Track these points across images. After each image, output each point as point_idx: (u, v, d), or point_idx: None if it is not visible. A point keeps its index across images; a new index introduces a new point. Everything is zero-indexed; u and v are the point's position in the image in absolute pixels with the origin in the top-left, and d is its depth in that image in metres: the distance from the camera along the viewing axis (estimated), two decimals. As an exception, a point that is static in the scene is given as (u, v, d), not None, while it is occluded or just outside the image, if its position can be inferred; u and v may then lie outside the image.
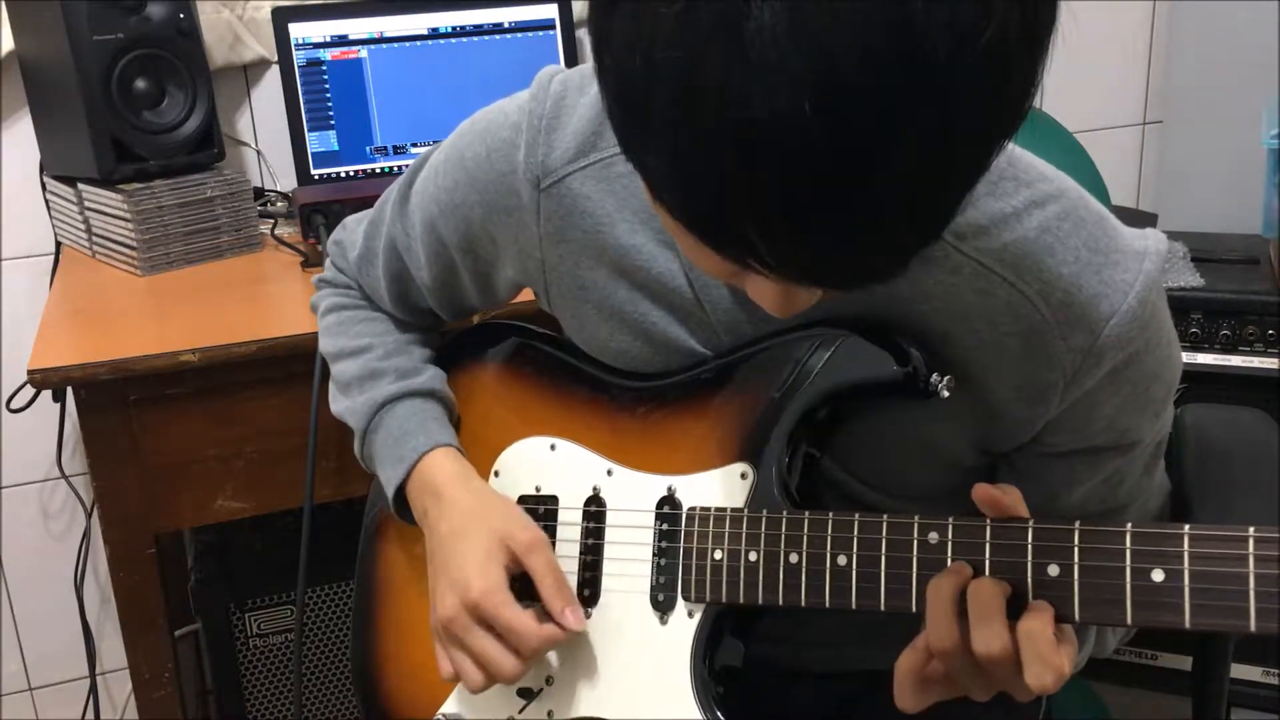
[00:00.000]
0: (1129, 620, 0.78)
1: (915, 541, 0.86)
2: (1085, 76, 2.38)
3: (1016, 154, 0.93)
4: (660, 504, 1.01)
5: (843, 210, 0.66)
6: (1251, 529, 0.74)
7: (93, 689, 2.10)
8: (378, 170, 1.95)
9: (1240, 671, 1.97)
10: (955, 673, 0.84)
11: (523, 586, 1.03)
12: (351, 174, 1.93)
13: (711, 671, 0.97)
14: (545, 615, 1.01)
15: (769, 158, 0.64)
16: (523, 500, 1.10)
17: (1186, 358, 1.88)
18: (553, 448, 1.10)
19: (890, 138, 0.63)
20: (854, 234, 0.68)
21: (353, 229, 1.25)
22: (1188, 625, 0.75)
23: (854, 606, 0.88)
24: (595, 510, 1.05)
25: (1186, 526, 0.76)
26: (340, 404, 1.20)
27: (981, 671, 0.83)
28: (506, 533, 1.04)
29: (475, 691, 1.02)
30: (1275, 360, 1.89)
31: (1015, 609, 0.82)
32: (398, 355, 1.19)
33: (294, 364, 1.47)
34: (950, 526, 0.84)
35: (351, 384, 1.18)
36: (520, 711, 1.07)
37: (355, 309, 1.24)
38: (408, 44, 1.93)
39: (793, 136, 0.63)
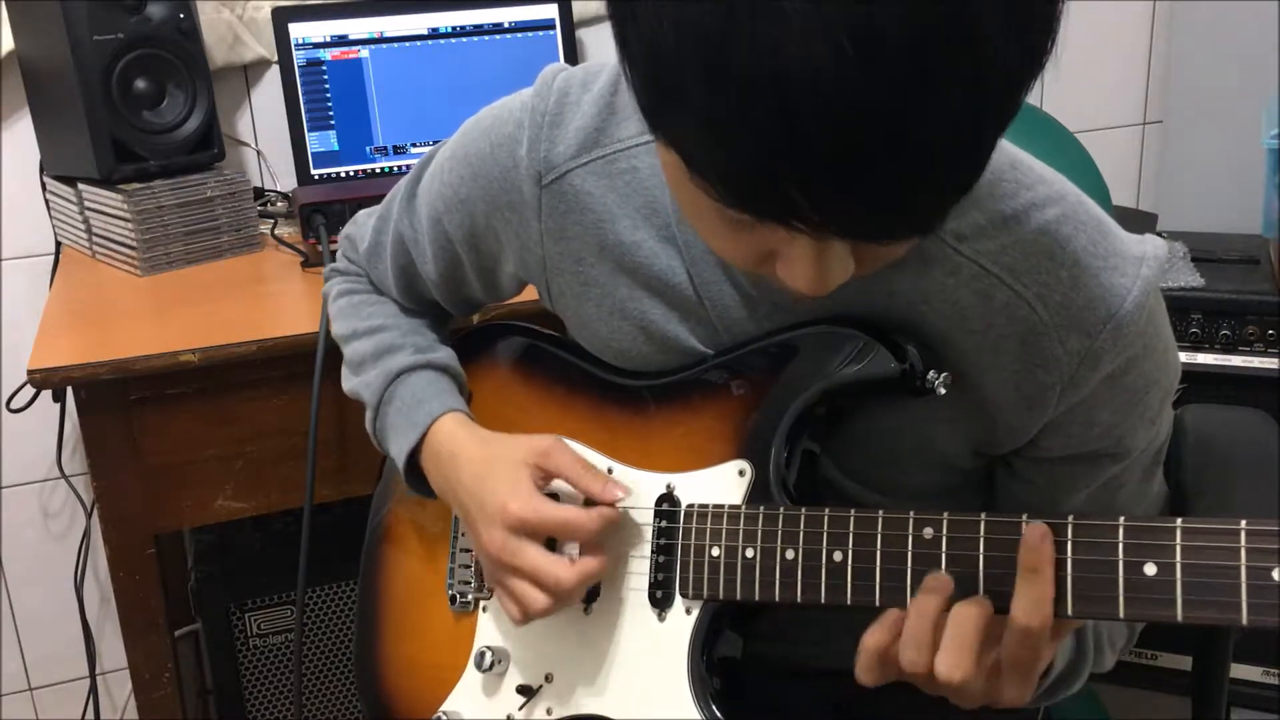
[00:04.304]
0: (1121, 614, 0.77)
1: (910, 537, 0.86)
2: (1085, 76, 2.39)
3: (1018, 156, 0.93)
4: (659, 501, 1.01)
5: (885, 154, 0.66)
6: (1243, 521, 0.74)
7: (93, 689, 2.10)
8: (378, 170, 1.95)
9: (1240, 671, 1.97)
10: (915, 675, 0.85)
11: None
12: (351, 174, 1.94)
13: (709, 668, 0.97)
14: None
15: (807, 106, 0.64)
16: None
17: (1186, 358, 1.89)
18: (553, 446, 1.10)
19: (927, 77, 0.63)
20: (897, 178, 0.68)
21: (363, 222, 1.26)
22: (1180, 618, 0.75)
23: (849, 603, 0.88)
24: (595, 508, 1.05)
25: (1179, 520, 0.76)
26: (353, 381, 1.20)
27: (936, 685, 0.84)
28: (522, 452, 1.03)
29: (541, 615, 1.01)
30: (1275, 360, 1.89)
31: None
32: (414, 334, 1.19)
33: (294, 364, 1.48)
34: (945, 522, 0.85)
35: (366, 360, 1.18)
36: (519, 709, 1.07)
37: (367, 293, 1.25)
38: (408, 44, 1.93)
39: (830, 82, 0.63)
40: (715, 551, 0.96)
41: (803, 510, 0.91)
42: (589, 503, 1.01)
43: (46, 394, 1.76)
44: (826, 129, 0.65)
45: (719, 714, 0.95)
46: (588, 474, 1.01)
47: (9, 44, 1.84)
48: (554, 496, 1.03)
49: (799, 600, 0.91)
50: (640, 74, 0.71)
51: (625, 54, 0.72)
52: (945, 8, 0.62)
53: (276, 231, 1.90)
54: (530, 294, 1.14)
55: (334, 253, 1.31)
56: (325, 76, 1.90)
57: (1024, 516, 0.81)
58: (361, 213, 1.28)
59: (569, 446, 1.03)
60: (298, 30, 1.88)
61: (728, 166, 0.70)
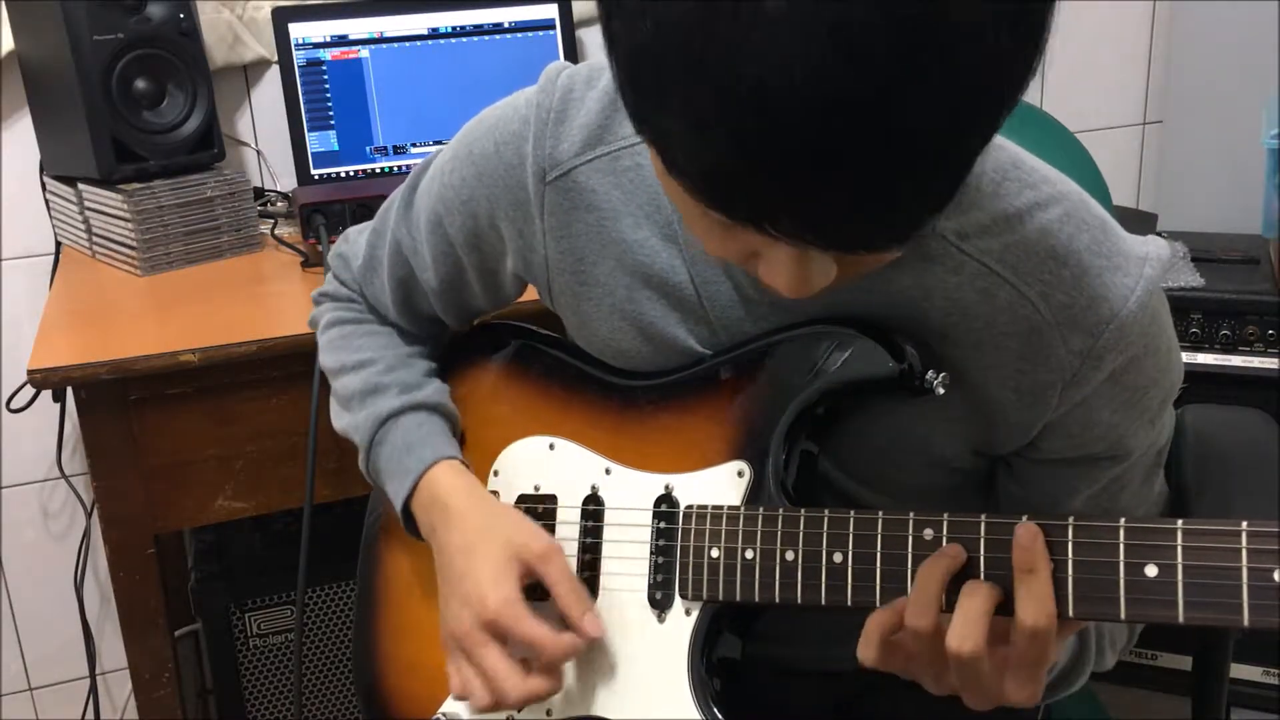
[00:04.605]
0: (1122, 615, 0.77)
1: (910, 538, 0.86)
2: (1085, 76, 2.39)
3: (1021, 156, 0.93)
4: (658, 502, 1.01)
5: (861, 162, 0.65)
6: (1244, 523, 0.73)
7: (93, 689, 2.10)
8: (378, 170, 1.95)
9: (1240, 671, 1.98)
10: (919, 654, 0.84)
11: (535, 595, 1.02)
12: (351, 174, 1.94)
13: (709, 669, 0.97)
14: (561, 624, 1.00)
15: (784, 108, 0.64)
16: (521, 499, 1.10)
17: (1186, 358, 1.88)
18: (551, 447, 1.10)
19: (904, 91, 0.63)
20: (874, 187, 0.67)
21: (355, 239, 1.24)
22: (1181, 620, 0.75)
23: (850, 604, 0.88)
24: (593, 509, 1.05)
25: (1180, 521, 0.76)
26: (343, 420, 1.19)
27: (944, 665, 0.83)
28: (519, 544, 1.02)
29: (480, 711, 1.01)
30: (1275, 360, 1.89)
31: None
32: (400, 369, 1.18)
33: (294, 364, 1.48)
34: (945, 522, 0.84)
35: (353, 399, 1.17)
36: (518, 711, 1.07)
37: (357, 323, 1.23)
38: (408, 44, 1.93)
39: (807, 85, 0.62)
40: (715, 553, 0.96)
41: (802, 511, 0.91)
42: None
43: (46, 394, 1.75)
44: (803, 131, 0.64)
45: (719, 715, 0.95)
46: (573, 595, 1.00)
47: (9, 44, 1.84)
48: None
49: (799, 602, 0.91)
50: (623, 70, 0.71)
51: (610, 49, 0.72)
52: (929, 14, 0.62)
53: (276, 231, 1.90)
54: (530, 294, 1.13)
55: (333, 253, 1.31)
56: (325, 76, 1.90)
57: (1024, 518, 0.81)
58: (352, 229, 1.27)
59: (564, 557, 1.02)
60: (298, 30, 1.88)
61: (706, 167, 0.70)
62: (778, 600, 0.92)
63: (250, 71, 2.01)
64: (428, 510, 1.10)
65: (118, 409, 1.45)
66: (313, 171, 1.91)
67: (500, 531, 1.04)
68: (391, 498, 1.13)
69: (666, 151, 0.72)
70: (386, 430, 1.14)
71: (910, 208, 0.71)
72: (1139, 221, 2.18)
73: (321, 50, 1.90)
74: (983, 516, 0.83)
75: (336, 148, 1.92)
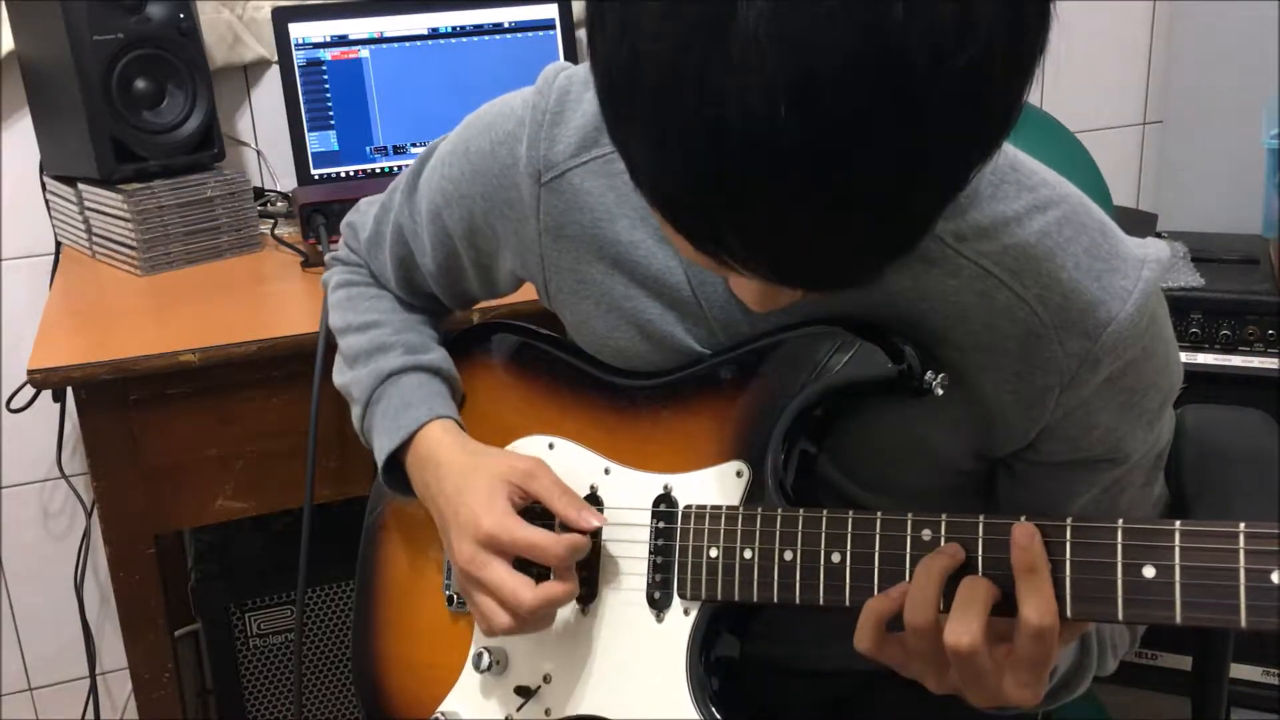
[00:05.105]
0: (1120, 616, 0.77)
1: (909, 538, 0.86)
2: (1085, 76, 2.39)
3: (1020, 158, 0.93)
4: (657, 502, 1.01)
5: (811, 213, 0.67)
6: (1242, 525, 0.73)
7: (93, 689, 2.10)
8: (378, 170, 1.95)
9: (1240, 671, 1.98)
10: (919, 652, 0.84)
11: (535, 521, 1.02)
12: (351, 174, 1.94)
13: (708, 669, 0.97)
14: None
15: (741, 156, 0.65)
16: (521, 498, 1.10)
17: (1186, 358, 1.89)
18: (551, 446, 1.10)
19: (862, 146, 0.64)
20: (820, 238, 0.69)
21: (365, 211, 1.26)
22: (1179, 621, 0.75)
23: (848, 604, 0.88)
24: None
25: (1178, 522, 0.76)
26: (344, 376, 1.20)
27: (944, 663, 0.83)
28: (506, 468, 1.04)
29: (508, 632, 1.01)
30: (1275, 360, 1.89)
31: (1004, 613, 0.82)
32: (407, 332, 1.19)
33: (294, 364, 1.48)
34: (943, 523, 0.85)
35: (359, 357, 1.18)
36: (518, 710, 1.07)
37: (366, 286, 1.25)
38: (408, 44, 1.93)
39: (765, 137, 0.64)
40: (713, 553, 0.96)
41: (801, 511, 0.91)
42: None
43: (46, 394, 1.76)
44: (754, 179, 0.66)
45: (718, 715, 0.95)
46: (565, 499, 1.01)
47: (9, 44, 1.84)
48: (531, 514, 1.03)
49: (797, 602, 0.91)
50: (601, 85, 0.72)
51: (591, 55, 0.73)
52: (891, 81, 0.63)
53: (276, 231, 1.90)
54: (530, 293, 1.14)
55: (345, 221, 1.31)
56: (325, 76, 1.90)
57: (1022, 518, 0.81)
58: (364, 200, 1.28)
59: (550, 470, 1.04)
60: (298, 30, 1.88)
61: (665, 194, 0.72)
62: (776, 600, 0.92)
63: (250, 71, 2.01)
64: (421, 468, 1.11)
65: (118, 409, 1.45)
66: (313, 171, 1.92)
67: (485, 465, 1.05)
68: (378, 451, 1.13)
69: (632, 170, 0.74)
70: (386, 387, 1.14)
71: (862, 256, 0.72)
72: (1139, 221, 2.18)
73: (321, 50, 1.90)
74: (980, 517, 0.83)
75: (336, 148, 1.92)
